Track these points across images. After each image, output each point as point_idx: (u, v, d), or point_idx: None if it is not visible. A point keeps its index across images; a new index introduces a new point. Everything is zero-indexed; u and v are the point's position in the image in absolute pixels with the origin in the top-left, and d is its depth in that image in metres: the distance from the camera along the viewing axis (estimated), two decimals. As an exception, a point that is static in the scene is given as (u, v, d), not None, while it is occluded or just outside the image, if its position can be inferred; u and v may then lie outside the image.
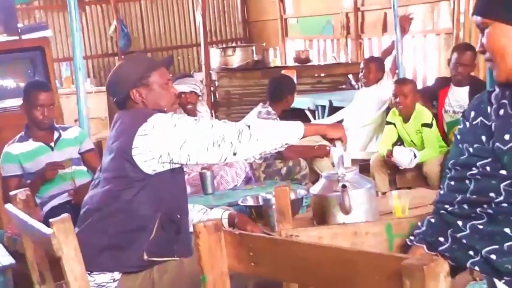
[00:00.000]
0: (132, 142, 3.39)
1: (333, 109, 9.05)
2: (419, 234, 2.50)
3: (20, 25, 8.73)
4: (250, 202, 4.79)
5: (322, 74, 11.22)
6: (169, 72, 3.85)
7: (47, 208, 5.05)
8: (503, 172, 2.28)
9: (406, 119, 6.74)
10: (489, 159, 2.32)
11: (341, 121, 8.00)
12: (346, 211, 3.65)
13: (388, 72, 7.97)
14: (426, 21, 11.49)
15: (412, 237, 2.55)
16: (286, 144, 3.55)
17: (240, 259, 2.03)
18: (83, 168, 5.40)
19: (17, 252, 3.80)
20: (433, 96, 7.22)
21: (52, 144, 5.34)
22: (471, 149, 2.39)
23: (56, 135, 5.39)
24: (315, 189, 3.96)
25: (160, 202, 3.45)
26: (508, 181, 2.26)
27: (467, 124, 2.46)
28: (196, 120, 3.51)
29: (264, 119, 6.72)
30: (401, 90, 6.67)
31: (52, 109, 5.38)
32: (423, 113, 6.72)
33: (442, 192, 2.49)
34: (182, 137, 3.37)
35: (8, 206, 3.45)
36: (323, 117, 9.18)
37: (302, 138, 3.56)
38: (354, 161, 7.18)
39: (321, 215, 3.84)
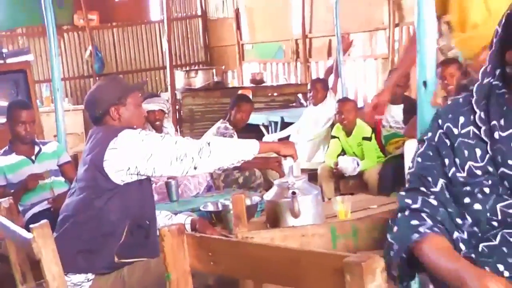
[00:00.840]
0: (103, 155, 3.40)
1: (285, 125, 9.07)
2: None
3: (4, 50, 8.71)
4: (211, 207, 4.78)
5: (275, 94, 11.24)
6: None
7: (28, 215, 5.02)
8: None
9: (348, 134, 6.78)
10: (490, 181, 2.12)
11: (289, 136, 8.05)
12: (296, 215, 3.67)
13: (331, 90, 8.02)
14: (366, 47, 11.58)
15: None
16: (242, 160, 3.57)
17: (201, 259, 2.03)
18: (61, 178, 5.38)
19: (1, 254, 3.76)
20: (372, 113, 7.27)
21: (33, 157, 5.33)
22: (459, 164, 2.17)
23: (36, 149, 5.37)
24: (268, 195, 3.97)
25: (128, 210, 3.45)
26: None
27: (453, 131, 2.21)
28: (161, 136, 3.52)
29: (222, 134, 6.75)
30: (344, 108, 6.73)
31: (33, 125, 5.38)
32: (363, 128, 6.77)
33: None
34: (148, 152, 3.38)
35: None
36: (275, 131, 9.19)
37: (257, 154, 3.58)
38: (302, 171, 7.21)
39: (274, 219, 3.85)
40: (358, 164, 6.53)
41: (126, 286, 3.35)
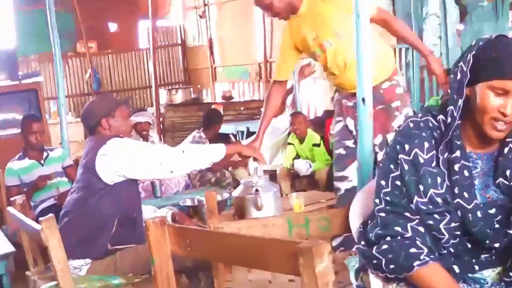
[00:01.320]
0: (95, 160, 3.38)
1: (250, 134, 9.06)
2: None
3: (20, 72, 8.68)
4: (188, 203, 4.78)
5: (242, 108, 11.23)
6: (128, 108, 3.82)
7: (38, 209, 5.05)
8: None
9: (301, 141, 6.80)
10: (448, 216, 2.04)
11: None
12: (259, 208, 3.69)
13: (289, 106, 8.03)
14: (317, 69, 11.61)
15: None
16: (212, 162, 3.55)
17: (180, 246, 2.01)
18: (65, 179, 5.37)
19: (17, 242, 3.74)
20: (321, 124, 7.30)
21: (42, 161, 5.38)
22: (423, 191, 2.04)
23: (45, 154, 5.42)
24: (236, 192, 3.98)
25: (118, 205, 3.43)
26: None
27: (419, 157, 2.05)
28: (144, 144, 3.52)
29: (197, 141, 6.74)
30: (296, 120, 6.77)
31: (43, 135, 5.48)
32: (313, 136, 6.80)
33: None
34: (133, 158, 3.37)
35: (9, 209, 3.50)
36: (242, 139, 9.18)
37: (224, 156, 3.56)
38: (265, 172, 7.21)
39: (241, 211, 3.86)
40: (310, 166, 6.56)
41: (118, 269, 3.32)
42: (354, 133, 4.06)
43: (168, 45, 16.31)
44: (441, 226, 2.04)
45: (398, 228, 2.05)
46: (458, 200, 2.02)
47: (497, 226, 2.04)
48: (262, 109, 4.30)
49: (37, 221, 2.83)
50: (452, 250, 2.09)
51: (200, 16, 15.38)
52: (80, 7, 13.54)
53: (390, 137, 3.96)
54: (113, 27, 15.89)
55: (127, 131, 3.69)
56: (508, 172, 2.03)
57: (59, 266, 2.72)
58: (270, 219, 2.79)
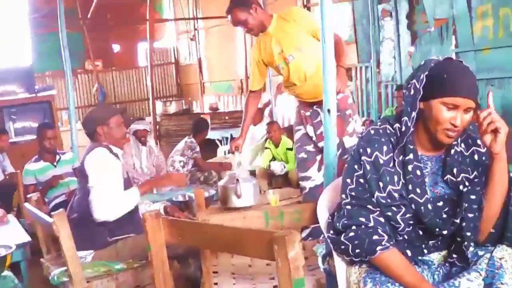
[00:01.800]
0: (84, 163, 3.34)
1: (233, 139, 9.03)
2: None
3: (36, 86, 8.62)
4: (180, 198, 4.77)
5: (226, 117, 11.21)
6: (123, 117, 3.65)
7: (52, 204, 5.01)
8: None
9: (276, 146, 6.79)
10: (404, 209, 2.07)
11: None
12: (238, 196, 3.70)
13: (267, 116, 8.04)
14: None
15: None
16: (133, 206, 3.40)
17: (173, 235, 2.01)
18: (75, 179, 5.28)
19: (32, 233, 3.70)
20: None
21: (55, 163, 5.34)
22: (382, 187, 2.08)
23: (57, 157, 5.39)
24: (221, 182, 3.97)
25: None
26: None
27: (379, 159, 2.09)
28: (111, 170, 3.30)
29: (189, 146, 6.72)
30: (271, 129, 6.77)
31: (55, 140, 5.43)
32: (287, 141, 6.79)
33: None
34: (98, 173, 3.28)
35: (26, 204, 3.51)
36: (226, 144, 9.18)
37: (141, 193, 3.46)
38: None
39: (224, 198, 3.84)
40: (284, 167, 6.56)
41: (119, 255, 3.28)
42: (314, 138, 4.11)
43: (163, 63, 16.27)
44: (398, 217, 2.07)
45: (362, 219, 2.08)
46: (412, 195, 2.05)
47: (444, 216, 2.07)
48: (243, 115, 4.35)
49: (50, 215, 2.82)
50: (406, 237, 2.12)
51: (191, 39, 15.40)
52: (88, 31, 13.50)
53: (345, 139, 4.01)
54: (116, 48, 15.86)
55: (121, 137, 3.55)
56: (455, 170, 2.08)
57: (68, 253, 2.71)
58: (249, 212, 2.80)
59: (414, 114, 2.05)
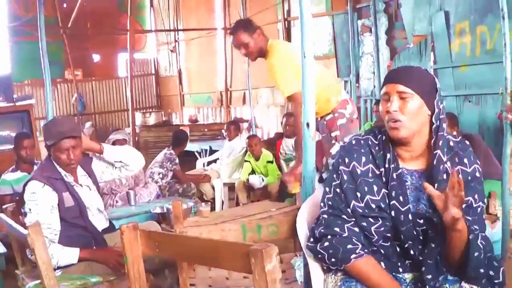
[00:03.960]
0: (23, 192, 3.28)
1: (212, 151, 9.05)
2: None
3: (15, 95, 8.55)
4: (158, 210, 4.73)
5: (205, 130, 11.21)
6: (76, 138, 3.29)
7: None
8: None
9: (257, 159, 6.80)
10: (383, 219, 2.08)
11: (217, 159, 8.04)
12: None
13: (245, 129, 8.06)
14: (269, 98, 11.69)
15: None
16: (69, 263, 3.18)
17: (149, 247, 2.00)
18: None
19: (7, 244, 3.65)
20: (273, 144, 7.33)
21: (32, 173, 5.19)
22: (360, 197, 2.10)
23: (35, 167, 5.23)
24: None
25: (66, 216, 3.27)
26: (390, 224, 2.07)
27: (357, 169, 2.12)
28: (35, 214, 3.16)
29: (168, 158, 6.70)
30: (252, 142, 6.78)
31: (33, 150, 5.34)
32: (267, 154, 6.81)
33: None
34: (28, 209, 3.20)
35: (1, 215, 3.45)
36: (205, 156, 9.16)
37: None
38: (225, 184, 7.24)
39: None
40: (262, 180, 6.57)
41: (94, 270, 3.19)
42: None
43: (143, 74, 16.23)
44: (372, 228, 2.09)
45: (336, 228, 2.10)
46: (394, 201, 2.06)
47: (420, 236, 2.07)
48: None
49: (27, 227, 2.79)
50: (382, 251, 2.12)
51: (171, 51, 15.40)
52: (68, 40, 13.42)
53: (329, 161, 4.05)
54: (96, 57, 15.78)
55: (64, 164, 3.28)
56: (436, 185, 2.03)
57: (43, 266, 2.67)
58: (226, 225, 2.80)
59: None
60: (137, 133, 10.98)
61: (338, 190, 2.13)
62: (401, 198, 2.06)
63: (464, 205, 2.00)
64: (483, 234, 2.06)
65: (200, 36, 13.95)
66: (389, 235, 2.10)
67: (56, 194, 3.22)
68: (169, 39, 15.48)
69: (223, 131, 10.84)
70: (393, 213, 2.06)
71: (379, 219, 2.08)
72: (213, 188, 7.05)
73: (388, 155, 2.10)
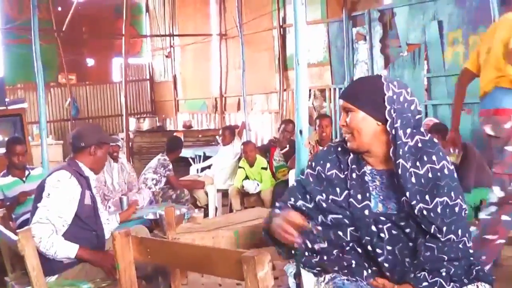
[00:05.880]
0: (44, 183, 3.28)
1: (206, 157, 9.05)
2: None
3: (7, 99, 8.49)
4: (151, 216, 4.73)
5: (200, 135, 11.19)
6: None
7: (19, 221, 4.85)
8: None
9: (251, 165, 6.81)
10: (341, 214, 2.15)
11: (210, 165, 8.03)
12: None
13: (237, 135, 8.06)
14: (263, 104, 11.71)
15: None
16: (68, 257, 3.19)
17: (141, 253, 2.00)
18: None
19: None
20: (267, 150, 7.34)
21: (24, 178, 5.18)
22: (325, 196, 2.19)
23: (27, 172, 5.23)
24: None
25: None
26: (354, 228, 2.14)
27: (322, 173, 2.23)
28: (57, 202, 3.18)
29: (161, 164, 6.68)
30: (247, 148, 6.78)
31: (25, 156, 5.23)
32: (261, 161, 6.82)
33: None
34: (47, 194, 3.21)
35: None
36: (199, 162, 9.15)
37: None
38: (219, 191, 7.24)
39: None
40: (258, 185, 6.58)
41: (87, 275, 3.18)
42: None
43: (138, 79, 16.24)
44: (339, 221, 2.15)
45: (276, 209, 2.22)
46: (351, 199, 2.13)
47: (385, 235, 2.08)
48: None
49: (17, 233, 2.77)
50: (352, 252, 2.16)
51: (166, 56, 15.42)
52: (63, 44, 13.41)
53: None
54: (91, 62, 15.75)
55: (103, 166, 3.57)
56: (408, 193, 2.05)
57: (33, 272, 2.65)
58: (219, 231, 2.80)
59: None
60: (131, 139, 10.96)
61: (302, 188, 2.24)
62: (359, 196, 2.12)
63: (440, 207, 2.02)
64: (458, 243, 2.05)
65: (196, 42, 13.97)
66: (357, 234, 2.12)
67: (80, 189, 3.31)
68: (165, 44, 15.49)
69: (217, 137, 10.88)
70: (351, 210, 2.12)
71: (341, 216, 2.14)
72: (206, 194, 7.05)
73: (350, 160, 2.19)
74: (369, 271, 2.13)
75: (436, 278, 1.98)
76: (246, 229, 2.68)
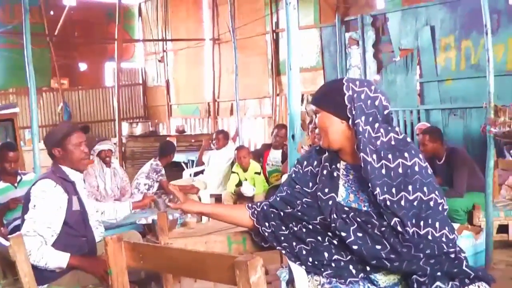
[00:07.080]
0: (29, 194, 3.21)
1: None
2: None
3: (-2, 104, 8.48)
4: (144, 221, 4.73)
5: (193, 140, 11.19)
6: (85, 136, 3.38)
7: (11, 226, 4.83)
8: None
9: (245, 170, 6.81)
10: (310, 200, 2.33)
11: (203, 170, 8.03)
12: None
13: (231, 140, 8.07)
14: (256, 109, 11.72)
15: None
16: (59, 266, 3.14)
17: (134, 259, 1.99)
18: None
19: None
20: (260, 155, 7.35)
21: (16, 184, 5.15)
22: (300, 187, 2.39)
23: (19, 178, 5.20)
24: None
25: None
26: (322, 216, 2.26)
27: (300, 170, 2.42)
28: (44, 212, 3.10)
29: (154, 169, 6.66)
30: (241, 154, 6.78)
31: (17, 162, 5.21)
32: (255, 165, 6.83)
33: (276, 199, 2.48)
34: (33, 205, 3.13)
35: None
36: (192, 167, 9.14)
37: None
38: (212, 195, 7.23)
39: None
40: (253, 189, 6.59)
41: (80, 281, 3.16)
42: None
43: (130, 84, 16.23)
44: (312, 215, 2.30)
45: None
46: (319, 193, 2.28)
47: (349, 222, 2.17)
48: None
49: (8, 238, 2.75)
50: (332, 247, 2.24)
51: (159, 61, 15.42)
52: (55, 48, 13.38)
53: None
54: (83, 66, 15.72)
55: (80, 158, 3.33)
56: (370, 184, 2.13)
57: (25, 279, 2.62)
58: (212, 236, 2.80)
59: None
60: (123, 143, 10.95)
61: (291, 181, 2.44)
62: (326, 190, 2.26)
63: (415, 202, 2.08)
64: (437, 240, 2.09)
65: (189, 47, 13.98)
66: (326, 223, 2.23)
67: (67, 196, 3.21)
68: (157, 49, 15.50)
69: (210, 141, 10.89)
70: (319, 202, 2.27)
71: (312, 207, 2.31)
72: (199, 199, 7.05)
73: (324, 157, 2.34)
74: (358, 267, 2.19)
75: (424, 278, 2.04)
76: (239, 234, 2.68)
